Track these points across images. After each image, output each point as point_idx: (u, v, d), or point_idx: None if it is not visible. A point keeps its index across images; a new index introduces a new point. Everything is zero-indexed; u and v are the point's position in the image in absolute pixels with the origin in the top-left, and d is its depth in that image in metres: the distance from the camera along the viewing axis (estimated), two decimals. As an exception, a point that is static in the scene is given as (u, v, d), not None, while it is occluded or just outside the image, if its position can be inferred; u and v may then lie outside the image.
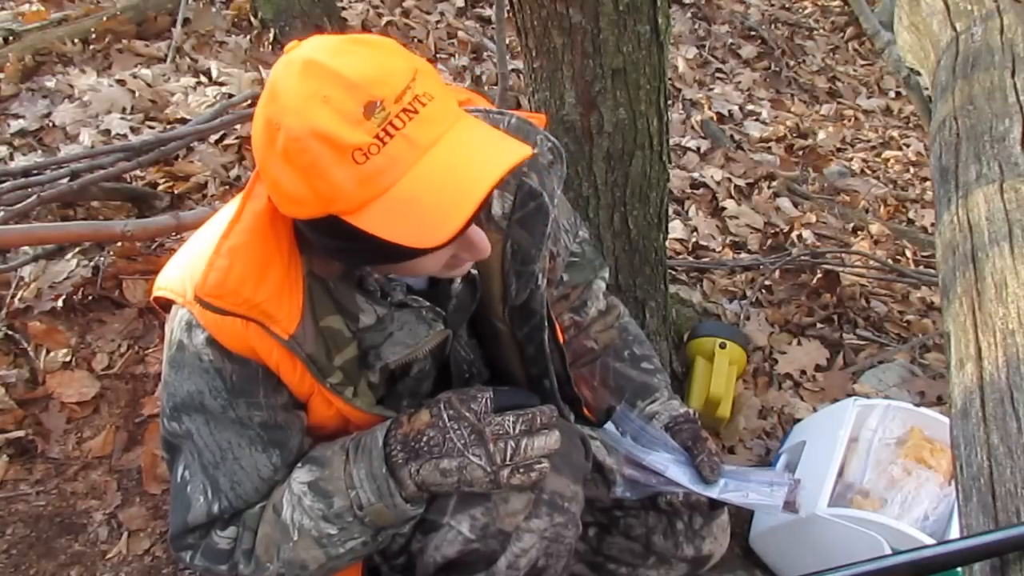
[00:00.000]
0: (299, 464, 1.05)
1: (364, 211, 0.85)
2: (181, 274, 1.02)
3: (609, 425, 1.27)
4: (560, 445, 1.02)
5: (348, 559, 1.06)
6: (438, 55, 3.63)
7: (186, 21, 3.31)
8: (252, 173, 0.99)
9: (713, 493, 1.20)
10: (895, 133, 3.95)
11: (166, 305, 1.06)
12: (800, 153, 3.59)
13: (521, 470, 0.99)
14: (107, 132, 2.62)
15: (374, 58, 0.86)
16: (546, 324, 1.19)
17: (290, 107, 0.83)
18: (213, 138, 2.65)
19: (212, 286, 0.93)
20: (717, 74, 4.11)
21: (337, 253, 0.99)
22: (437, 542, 1.07)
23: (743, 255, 2.78)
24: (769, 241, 2.87)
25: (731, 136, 3.56)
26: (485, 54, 3.65)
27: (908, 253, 2.95)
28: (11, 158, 2.46)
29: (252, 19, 3.49)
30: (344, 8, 3.70)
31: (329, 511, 1.01)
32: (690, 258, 2.70)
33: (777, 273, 2.64)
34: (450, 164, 0.85)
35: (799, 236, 2.89)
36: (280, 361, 1.00)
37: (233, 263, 0.93)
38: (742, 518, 1.84)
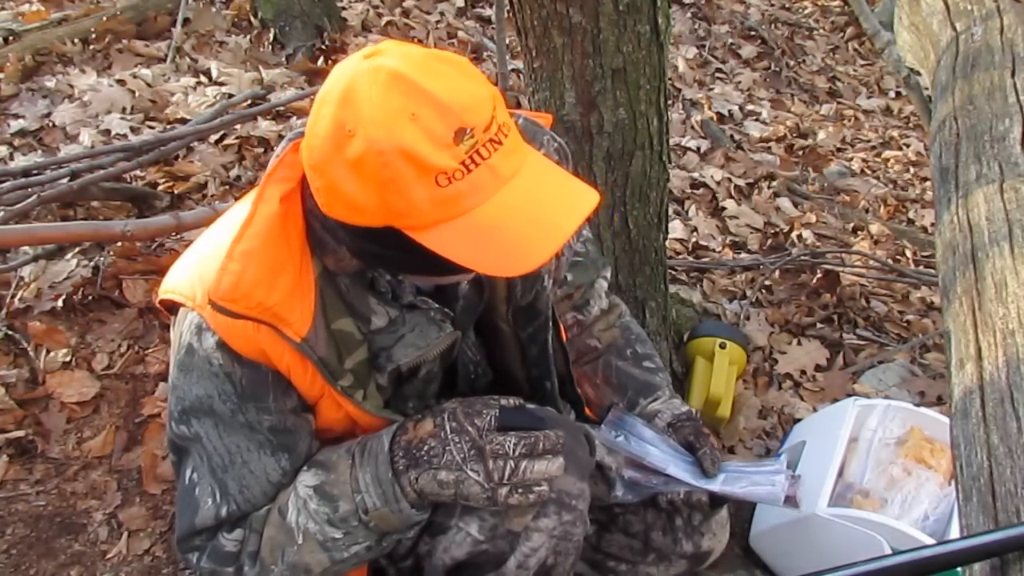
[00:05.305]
0: (305, 467, 1.05)
1: (433, 230, 0.85)
2: (190, 277, 1.01)
3: (604, 428, 1.27)
4: (562, 472, 1.00)
5: (352, 563, 1.06)
6: (438, 55, 3.62)
7: (186, 21, 3.31)
8: (263, 176, 0.99)
9: (714, 486, 1.20)
10: (895, 133, 3.95)
11: (172, 308, 1.05)
12: (800, 153, 3.59)
13: (520, 490, 0.98)
14: (107, 132, 2.62)
15: (460, 81, 0.86)
16: (550, 324, 1.19)
17: (374, 119, 0.82)
18: (213, 138, 2.65)
19: (225, 290, 0.92)
20: (717, 74, 4.11)
21: (374, 258, 0.97)
22: (446, 544, 1.08)
23: (743, 255, 2.78)
24: (769, 241, 2.86)
25: (731, 136, 3.56)
26: (485, 54, 3.65)
27: (908, 253, 2.95)
28: (11, 158, 2.46)
29: (252, 19, 3.50)
30: (344, 8, 3.70)
31: (334, 515, 1.01)
32: (690, 258, 2.70)
33: (777, 273, 2.64)
34: (530, 199, 0.87)
35: (799, 236, 2.89)
36: (291, 364, 1.00)
37: (246, 267, 0.93)
38: (742, 517, 1.84)
